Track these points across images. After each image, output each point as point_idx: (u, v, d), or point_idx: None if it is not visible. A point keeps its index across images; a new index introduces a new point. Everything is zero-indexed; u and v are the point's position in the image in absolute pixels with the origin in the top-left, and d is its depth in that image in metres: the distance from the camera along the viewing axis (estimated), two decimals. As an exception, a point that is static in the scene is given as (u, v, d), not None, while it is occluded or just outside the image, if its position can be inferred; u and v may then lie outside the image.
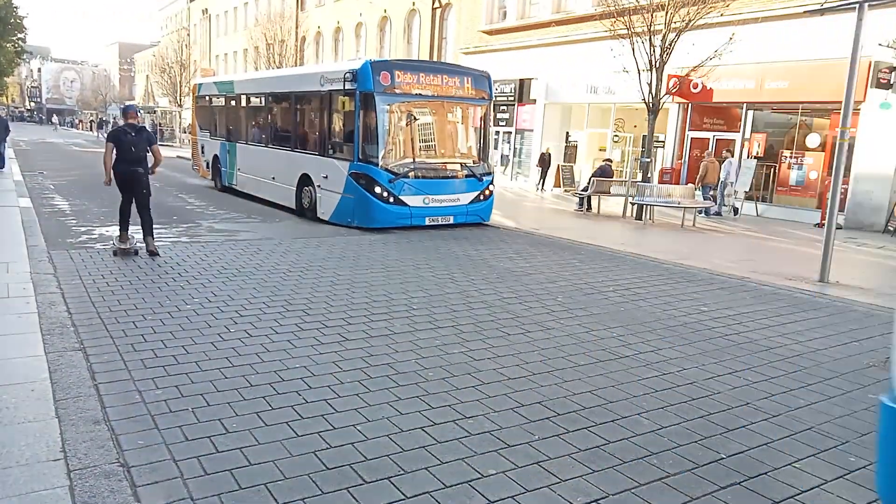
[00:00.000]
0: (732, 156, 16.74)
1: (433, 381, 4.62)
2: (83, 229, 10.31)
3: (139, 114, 10.20)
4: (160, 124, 48.65)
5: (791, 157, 16.29)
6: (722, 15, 14.93)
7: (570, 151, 22.25)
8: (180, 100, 45.90)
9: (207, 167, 18.42)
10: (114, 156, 8.19)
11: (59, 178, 18.71)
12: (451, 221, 11.98)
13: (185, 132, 44.87)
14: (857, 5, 8.41)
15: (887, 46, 13.61)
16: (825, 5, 10.25)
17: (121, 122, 9.02)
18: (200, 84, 19.80)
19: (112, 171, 8.24)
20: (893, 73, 13.83)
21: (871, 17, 10.55)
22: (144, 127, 8.87)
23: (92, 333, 5.24)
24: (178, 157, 31.80)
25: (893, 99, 13.91)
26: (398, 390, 4.44)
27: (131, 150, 8.19)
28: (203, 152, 18.85)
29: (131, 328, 5.43)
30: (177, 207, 13.74)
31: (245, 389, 4.32)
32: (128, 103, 9.11)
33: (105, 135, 45.85)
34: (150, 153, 8.41)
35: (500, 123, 24.04)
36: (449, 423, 3.99)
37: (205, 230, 10.87)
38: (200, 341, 5.20)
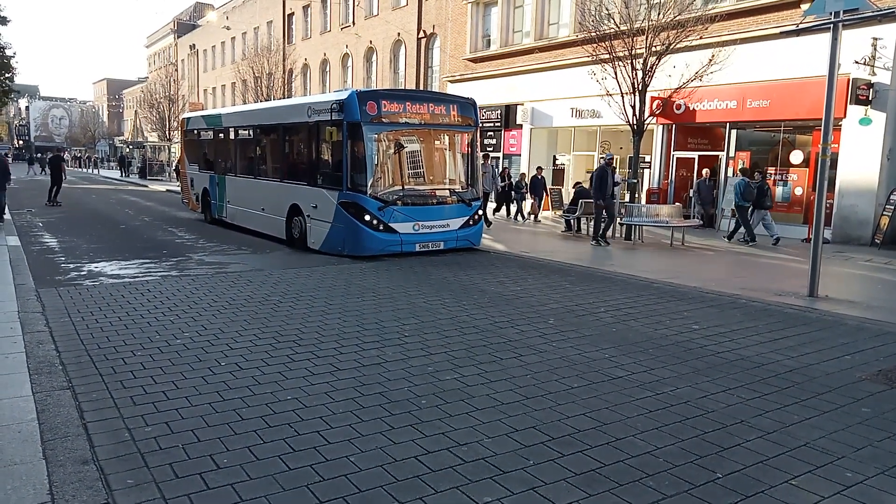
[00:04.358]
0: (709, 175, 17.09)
1: (426, 409, 4.59)
2: (72, 266, 10.25)
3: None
4: (150, 159, 48.68)
5: (776, 174, 16.48)
6: (701, 38, 15.20)
7: (558, 174, 22.42)
8: (169, 134, 46.08)
9: (197, 200, 18.42)
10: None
11: (48, 216, 18.64)
12: (442, 247, 12.01)
13: (169, 165, 44.83)
14: (831, 25, 8.58)
15: (864, 64, 13.89)
16: (800, 26, 10.45)
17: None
18: (189, 118, 19.90)
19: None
20: (871, 90, 14.09)
21: (847, 35, 10.78)
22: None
23: (80, 371, 5.18)
24: (168, 190, 31.84)
25: (873, 114, 14.16)
26: (391, 419, 4.40)
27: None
28: (192, 185, 18.87)
29: (120, 365, 5.38)
30: (167, 241, 13.70)
31: (236, 423, 4.27)
32: None
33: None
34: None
35: (488, 149, 24.23)
36: (443, 450, 3.96)
37: (195, 263, 10.83)
38: (190, 376, 5.15)
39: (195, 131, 18.84)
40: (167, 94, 47.64)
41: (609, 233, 14.45)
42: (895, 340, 6.76)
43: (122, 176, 48.24)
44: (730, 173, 17.08)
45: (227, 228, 15.94)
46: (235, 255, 11.87)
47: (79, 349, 5.78)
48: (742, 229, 14.85)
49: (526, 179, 19.95)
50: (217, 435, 4.09)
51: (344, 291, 8.59)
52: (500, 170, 20.56)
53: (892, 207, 13.96)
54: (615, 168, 15.46)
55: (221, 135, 16.97)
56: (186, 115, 21.93)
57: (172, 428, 4.18)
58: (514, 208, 19.85)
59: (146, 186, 36.81)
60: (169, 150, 49.35)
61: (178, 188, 24.17)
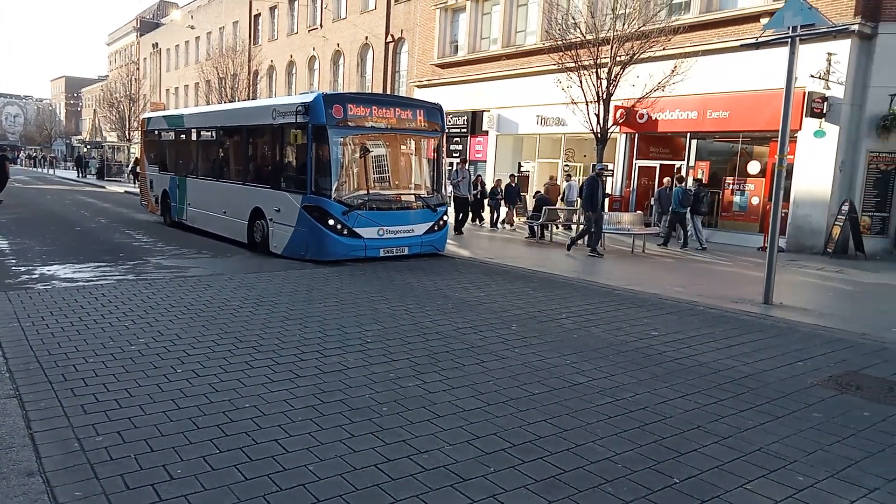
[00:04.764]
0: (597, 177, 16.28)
1: (387, 416, 4.55)
2: (23, 269, 9.91)
3: None
4: (108, 159, 47.45)
5: (734, 184, 16.88)
6: (664, 49, 15.54)
7: (522, 181, 22.57)
8: (129, 134, 45.06)
9: (157, 202, 18.03)
10: None
11: (-1, 216, 18.00)
12: (406, 252, 11.97)
13: (127, 166, 43.67)
14: (789, 39, 8.84)
15: (819, 78, 14.34)
16: (760, 39, 10.76)
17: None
18: (149, 118, 19.50)
19: None
20: (825, 103, 14.54)
21: (804, 50, 11.12)
22: None
23: (29, 379, 5.00)
24: (126, 192, 31.11)
25: (826, 127, 14.61)
26: (351, 427, 4.35)
27: None
28: (152, 187, 18.46)
29: (71, 372, 5.21)
30: (124, 244, 13.37)
31: (191, 432, 4.17)
32: None
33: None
34: None
35: (454, 155, 24.29)
36: (403, 458, 3.93)
37: (152, 267, 10.58)
38: (145, 383, 5.02)
39: (156, 132, 18.45)
40: (128, 93, 46.58)
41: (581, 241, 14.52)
42: (845, 347, 6.96)
43: (79, 176, 46.94)
44: (690, 182, 17.41)
45: (187, 231, 15.63)
46: (195, 259, 11.64)
47: (28, 356, 5.58)
48: (692, 235, 15.41)
49: (500, 186, 19.88)
50: (171, 444, 3.99)
51: (306, 297, 8.49)
52: (474, 177, 20.22)
53: (844, 218, 14.42)
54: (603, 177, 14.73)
55: (183, 136, 16.66)
56: (147, 114, 21.47)
57: (124, 437, 4.06)
58: (486, 216, 19.68)
59: (104, 188, 35.90)
60: (128, 150, 48.26)
61: (137, 190, 23.64)
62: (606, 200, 15.00)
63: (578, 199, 18.73)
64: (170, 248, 12.91)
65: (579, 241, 14.13)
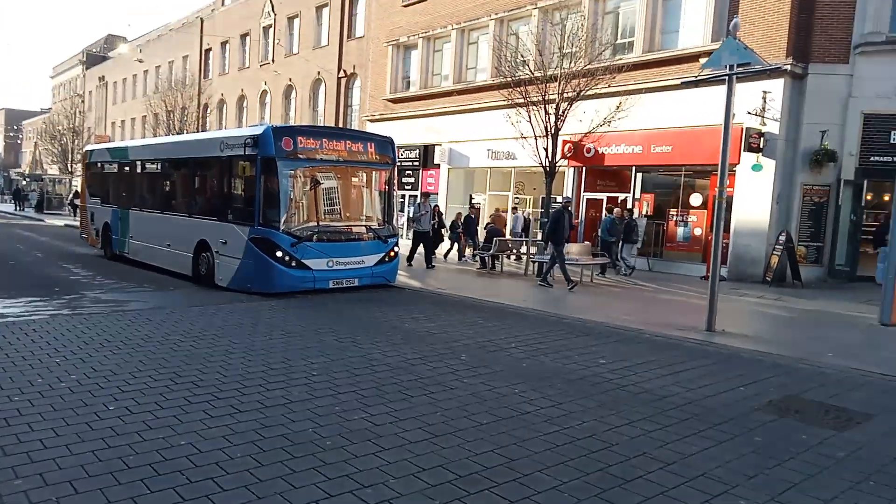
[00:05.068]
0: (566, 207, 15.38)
1: (330, 450, 4.42)
2: (-52, 305, 9.40)
3: None
4: (48, 192, 45.87)
5: (677, 216, 17.37)
6: (609, 86, 16.03)
7: (474, 213, 22.73)
8: (71, 167, 43.74)
9: (97, 235, 17.47)
10: None
11: (-73, 251, 17.13)
12: (356, 284, 11.84)
13: (66, 199, 42.19)
14: (726, 77, 9.23)
15: (755, 114, 14.98)
16: (699, 77, 11.20)
17: None
18: (92, 150, 19.03)
19: None
20: (762, 139, 15.19)
21: (740, 88, 11.59)
22: None
23: (-55, 420, 4.69)
24: (66, 225, 30.08)
25: (763, 161, 15.23)
26: (292, 462, 4.20)
27: None
28: (93, 220, 17.89)
29: (-7, 411, 4.91)
30: (60, 278, 12.84)
31: (121, 472, 3.95)
32: None
33: None
34: None
35: (406, 187, 24.37)
36: (346, 493, 3.80)
37: (90, 301, 10.17)
38: (73, 422, 4.76)
39: (99, 164, 17.98)
40: (72, 125, 45.36)
41: (523, 270, 14.63)
42: (785, 373, 7.14)
43: (16, 210, 45.17)
44: (636, 214, 17.85)
45: (128, 265, 15.14)
46: (135, 293, 11.25)
47: (-54, 395, 5.25)
48: (620, 263, 16.12)
49: (461, 219, 19.81)
50: (98, 485, 3.77)
51: (251, 330, 8.27)
52: (432, 208, 19.82)
53: (781, 247, 14.95)
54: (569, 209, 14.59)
55: (127, 168, 16.26)
56: (90, 147, 20.94)
57: (47, 480, 3.82)
58: (443, 247, 19.49)
59: (42, 221, 34.61)
60: (70, 183, 46.82)
61: (77, 223, 22.88)
62: (570, 233, 14.83)
63: (525, 231, 19.11)
64: (109, 282, 12.46)
65: (574, 278, 13.46)
